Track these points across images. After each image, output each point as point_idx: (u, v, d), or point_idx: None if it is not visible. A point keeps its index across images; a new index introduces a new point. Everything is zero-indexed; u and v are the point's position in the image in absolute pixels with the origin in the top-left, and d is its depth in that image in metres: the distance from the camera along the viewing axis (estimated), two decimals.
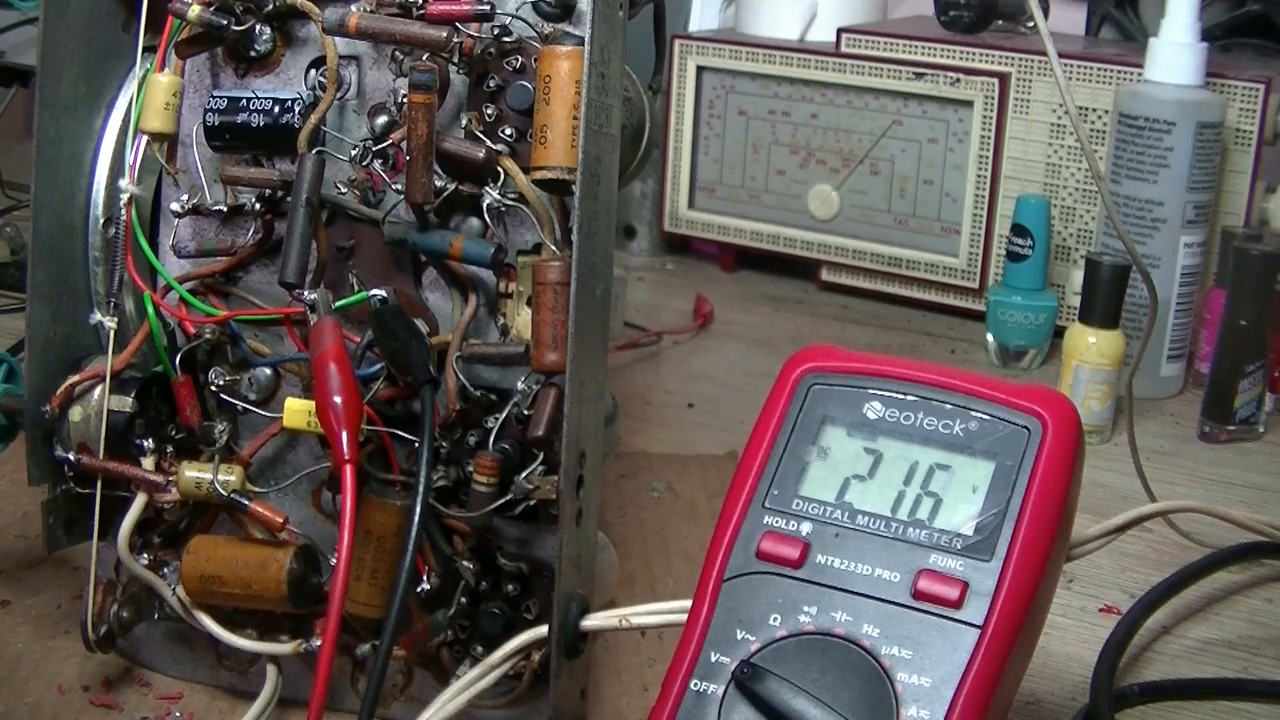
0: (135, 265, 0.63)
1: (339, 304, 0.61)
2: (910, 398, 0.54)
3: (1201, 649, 0.73)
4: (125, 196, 0.63)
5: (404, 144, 0.59)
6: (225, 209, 0.63)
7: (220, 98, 0.63)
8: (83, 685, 0.66)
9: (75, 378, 0.63)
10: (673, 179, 1.32)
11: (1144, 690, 0.68)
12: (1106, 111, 1.11)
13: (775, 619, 0.51)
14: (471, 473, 0.60)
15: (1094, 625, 0.74)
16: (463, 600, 0.62)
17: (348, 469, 0.55)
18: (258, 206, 0.63)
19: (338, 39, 0.60)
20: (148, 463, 0.62)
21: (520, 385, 0.61)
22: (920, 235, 1.23)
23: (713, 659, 0.51)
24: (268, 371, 0.64)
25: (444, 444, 0.61)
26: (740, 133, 1.29)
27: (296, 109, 0.62)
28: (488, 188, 0.60)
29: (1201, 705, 0.68)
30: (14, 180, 1.27)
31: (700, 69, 1.29)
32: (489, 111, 0.60)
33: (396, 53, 0.61)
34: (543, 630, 0.59)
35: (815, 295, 1.29)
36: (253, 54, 0.63)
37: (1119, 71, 1.12)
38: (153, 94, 0.62)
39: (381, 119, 0.61)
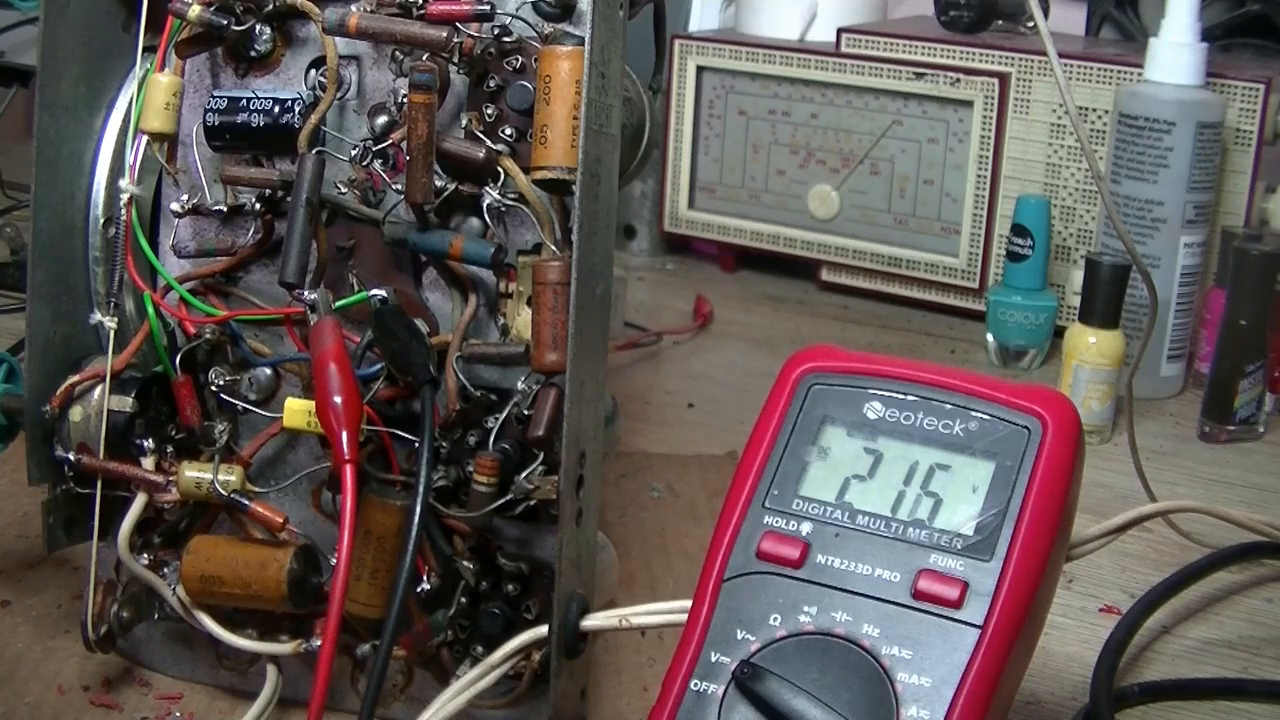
0: (135, 265, 0.63)
1: (339, 304, 0.61)
2: (910, 398, 0.54)
3: (1201, 649, 0.73)
4: (125, 196, 0.63)
5: (404, 144, 0.59)
6: (225, 209, 0.63)
7: (220, 98, 0.63)
8: (83, 685, 0.66)
9: (75, 378, 0.63)
10: (673, 179, 1.32)
11: (1144, 690, 0.68)
12: (1106, 111, 1.11)
13: (775, 619, 0.51)
14: (471, 473, 0.60)
15: (1094, 625, 0.74)
16: (463, 600, 0.62)
17: (348, 469, 0.55)
18: (258, 206, 0.63)
19: (338, 39, 0.60)
20: (148, 463, 0.62)
21: (520, 385, 0.61)
22: (920, 235, 1.23)
23: (713, 659, 0.51)
24: (268, 371, 0.64)
25: (444, 444, 0.61)
26: (740, 133, 1.29)
27: (296, 109, 0.62)
28: (488, 188, 0.60)
29: (1201, 705, 0.68)
30: (14, 180, 1.27)
31: (700, 69, 1.29)
32: (489, 111, 0.60)
33: (396, 53, 0.61)
34: (543, 630, 0.59)
35: (815, 295, 1.29)
36: (253, 54, 0.63)
37: (1119, 71, 1.12)
38: (153, 94, 0.62)
39: (381, 119, 0.61)
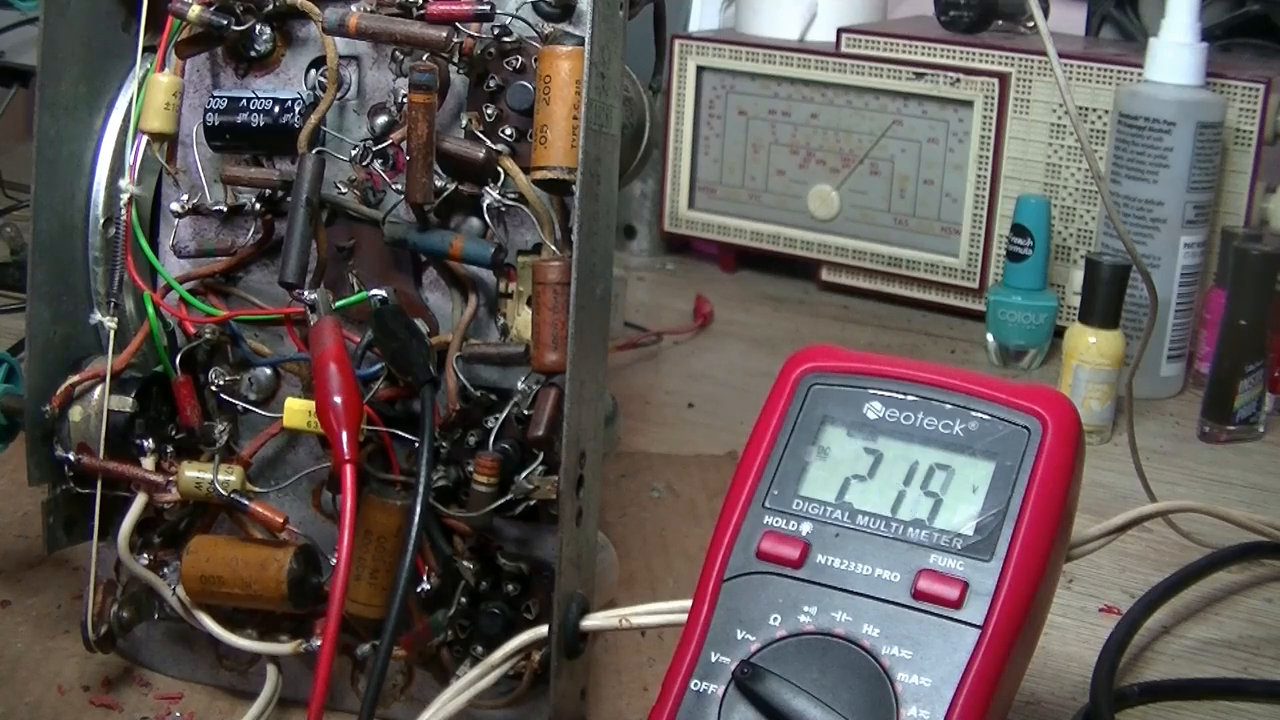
0: (135, 265, 0.63)
1: (339, 304, 0.61)
2: (910, 398, 0.54)
3: (1201, 649, 0.73)
4: (125, 196, 0.63)
5: (404, 144, 0.59)
6: (225, 209, 0.63)
7: (220, 98, 0.63)
8: (83, 685, 0.66)
9: (75, 378, 0.63)
10: (673, 179, 1.32)
11: (1144, 690, 0.68)
12: (1106, 111, 1.11)
13: (775, 619, 0.51)
14: (471, 473, 0.60)
15: (1094, 625, 0.75)
16: (463, 600, 0.62)
17: (348, 469, 0.55)
18: (258, 206, 0.63)
19: (338, 39, 0.60)
20: (148, 463, 0.62)
21: (520, 385, 0.61)
22: (920, 235, 1.23)
23: (713, 659, 0.51)
24: (268, 371, 0.64)
25: (444, 444, 0.61)
26: (740, 133, 1.29)
27: (296, 109, 0.62)
28: (488, 188, 0.60)
29: (1201, 705, 0.68)
30: (14, 180, 1.27)
31: (700, 69, 1.29)
32: (489, 111, 0.60)
33: (396, 53, 0.61)
34: (543, 630, 0.59)
35: (815, 295, 1.29)
36: (253, 54, 0.63)
37: (1119, 71, 1.12)
38: (153, 94, 0.62)
39: (381, 119, 0.61)
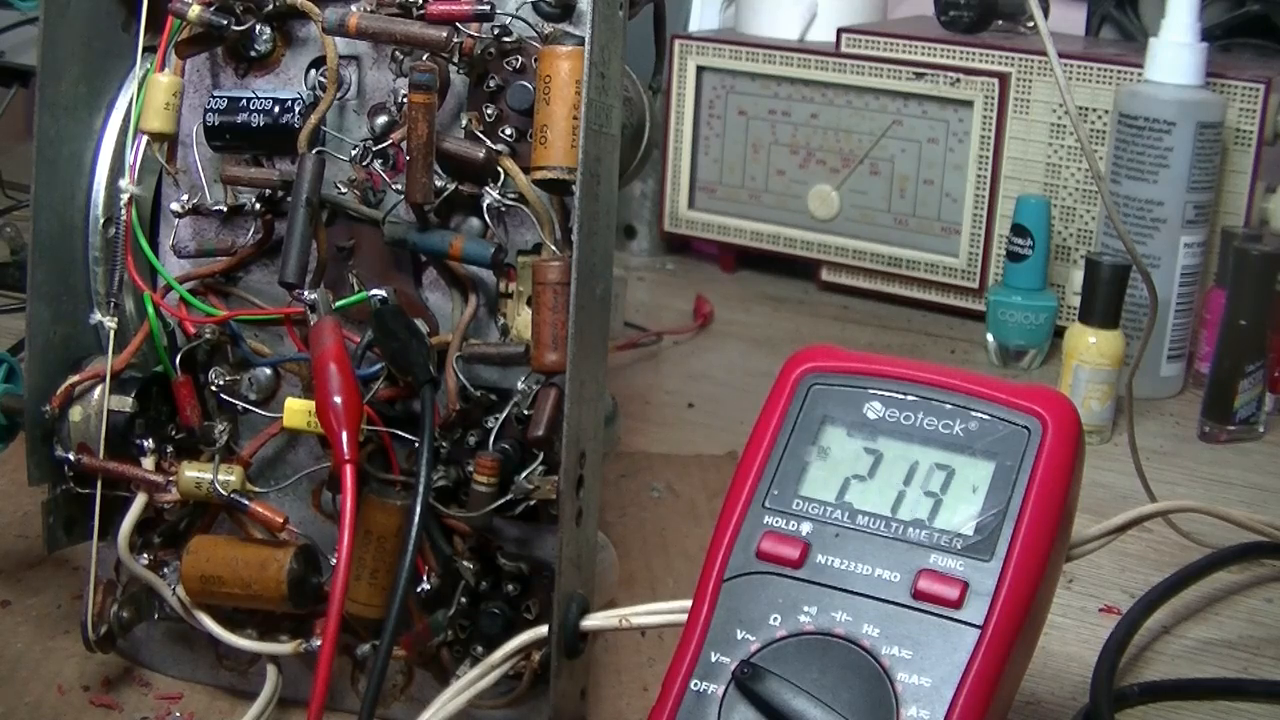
0: (135, 265, 0.63)
1: (339, 304, 0.61)
2: (910, 398, 0.54)
3: (1201, 649, 0.73)
4: (125, 196, 0.63)
5: (404, 144, 0.59)
6: (225, 209, 0.63)
7: (220, 98, 0.63)
8: (83, 685, 0.66)
9: (75, 378, 0.63)
10: (673, 179, 1.32)
11: (1144, 690, 0.68)
12: (1106, 111, 1.11)
13: (775, 619, 0.51)
14: (471, 473, 0.60)
15: (1094, 625, 0.75)
16: (463, 600, 0.62)
17: (348, 469, 0.55)
18: (258, 206, 0.63)
19: (338, 39, 0.60)
20: (148, 463, 0.62)
21: (520, 385, 0.61)
22: (920, 235, 1.23)
23: (713, 659, 0.51)
24: (268, 371, 0.64)
25: (444, 444, 0.61)
26: (740, 133, 1.29)
27: (296, 109, 0.62)
28: (488, 188, 0.60)
29: (1201, 705, 0.68)
30: (14, 180, 1.27)
31: (700, 69, 1.29)
32: (489, 111, 0.60)
33: (396, 53, 0.61)
34: (543, 630, 0.59)
35: (815, 295, 1.29)
36: (253, 54, 0.63)
37: (1119, 71, 1.12)
38: (153, 94, 0.62)
39: (381, 119, 0.61)
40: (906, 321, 1.23)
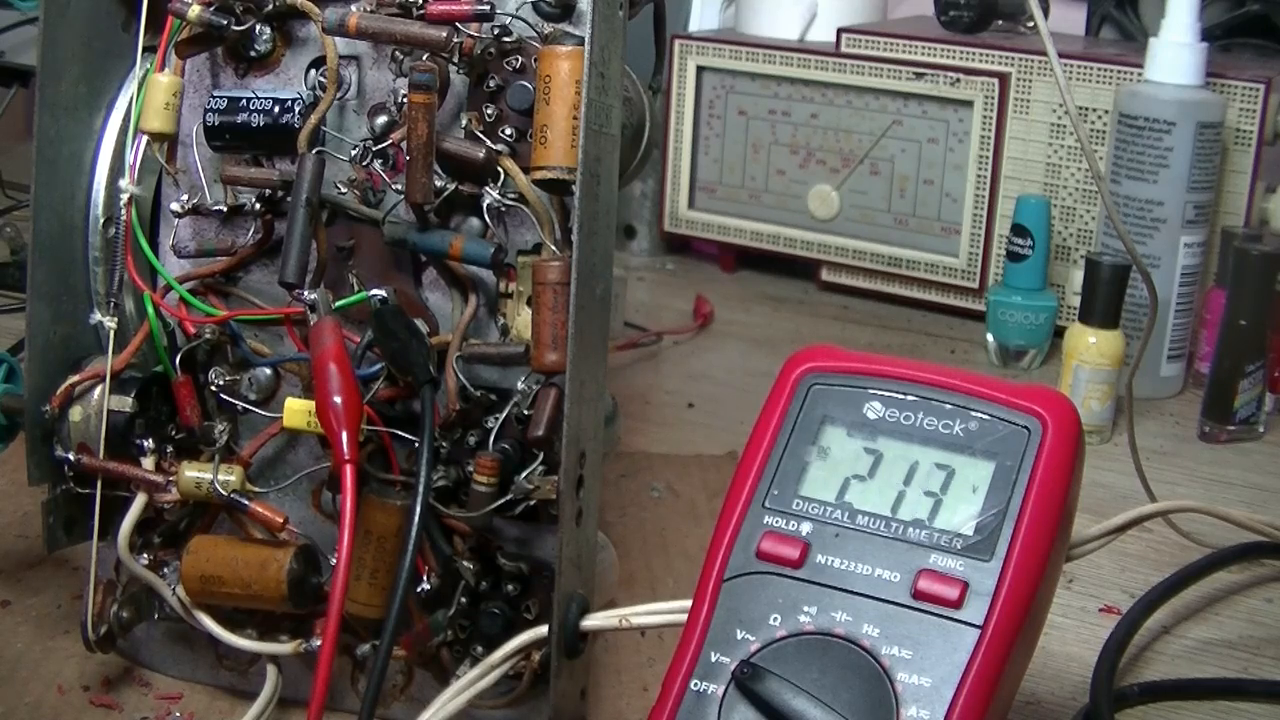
0: (135, 265, 0.63)
1: (339, 304, 0.61)
2: (910, 398, 0.54)
3: (1201, 649, 0.73)
4: (125, 196, 0.63)
5: (404, 144, 0.59)
6: (225, 209, 0.63)
7: (220, 98, 0.63)
8: (83, 685, 0.66)
9: (75, 378, 0.63)
10: (673, 179, 1.32)
11: (1144, 690, 0.68)
12: (1106, 111, 1.11)
13: (775, 619, 0.51)
14: (471, 473, 0.60)
15: (1094, 625, 0.74)
16: (463, 600, 0.62)
17: (348, 469, 0.55)
18: (258, 206, 0.63)
19: (338, 39, 0.60)
20: (148, 463, 0.62)
21: (520, 385, 0.61)
22: (920, 235, 1.23)
23: (713, 659, 0.51)
24: (268, 371, 0.64)
25: (444, 444, 0.61)
26: (740, 133, 1.29)
27: (296, 109, 0.62)
28: (488, 188, 0.60)
29: (1201, 705, 0.68)
30: (14, 180, 1.27)
31: (700, 69, 1.29)
32: (489, 111, 0.60)
33: (396, 53, 0.61)
34: (543, 630, 0.59)
35: (815, 295, 1.29)
36: (253, 54, 0.63)
37: (1119, 71, 1.12)
38: (153, 94, 0.62)
39: (381, 119, 0.61)
40: (906, 321, 1.23)
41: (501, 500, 0.60)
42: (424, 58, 0.59)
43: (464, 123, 0.60)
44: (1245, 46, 1.24)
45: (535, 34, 0.59)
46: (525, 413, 0.60)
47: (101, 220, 0.65)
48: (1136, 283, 0.98)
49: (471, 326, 0.61)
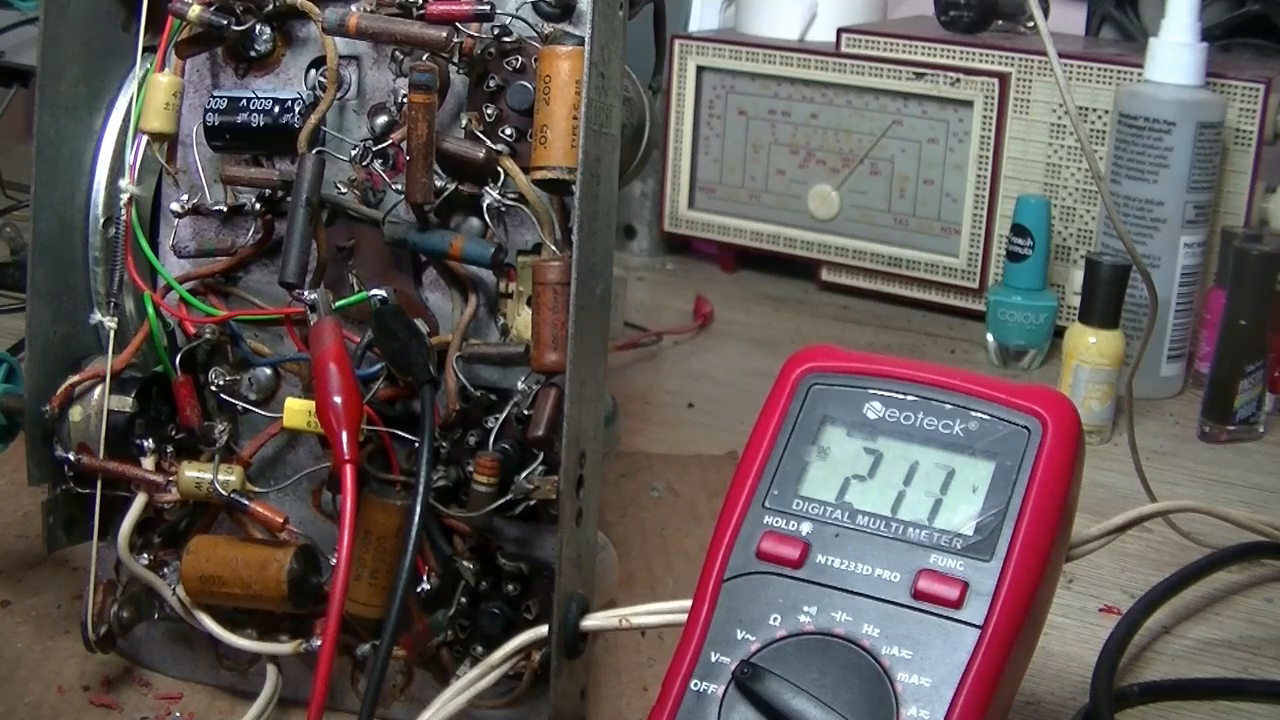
0: (135, 265, 0.63)
1: (339, 304, 0.61)
2: (910, 398, 0.54)
3: (1201, 649, 0.73)
4: (125, 196, 0.63)
5: (404, 144, 0.59)
6: (225, 209, 0.63)
7: (220, 98, 0.63)
8: (83, 685, 0.66)
9: (75, 378, 0.63)
10: (673, 179, 1.32)
11: (1144, 690, 0.68)
12: (1106, 111, 1.11)
13: (775, 619, 0.51)
14: (471, 473, 0.60)
15: (1094, 625, 0.74)
16: (463, 600, 0.62)
17: (348, 469, 0.55)
18: (258, 206, 0.63)
19: (338, 39, 0.60)
20: (148, 463, 0.62)
21: (520, 385, 0.61)
22: (920, 235, 1.23)
23: (713, 659, 0.51)
24: (268, 371, 0.64)
25: (444, 444, 0.61)
26: (740, 133, 1.29)
27: (296, 109, 0.62)
28: (488, 188, 0.60)
29: (1201, 705, 0.68)
30: (14, 180, 1.27)
31: (700, 69, 1.29)
32: (489, 111, 0.60)
33: (396, 53, 0.61)
34: (543, 630, 0.59)
35: (815, 295, 1.29)
36: (253, 54, 0.63)
37: (1119, 71, 1.12)
38: (153, 94, 0.62)
39: (381, 119, 0.61)
40: (906, 321, 1.23)
41: (501, 500, 0.60)
42: (424, 58, 0.59)
43: (464, 123, 0.60)
44: (1245, 46, 1.24)
45: (535, 34, 0.59)
46: (525, 413, 0.60)
47: (101, 220, 0.65)
48: (1136, 283, 0.98)
49: (471, 326, 0.61)
